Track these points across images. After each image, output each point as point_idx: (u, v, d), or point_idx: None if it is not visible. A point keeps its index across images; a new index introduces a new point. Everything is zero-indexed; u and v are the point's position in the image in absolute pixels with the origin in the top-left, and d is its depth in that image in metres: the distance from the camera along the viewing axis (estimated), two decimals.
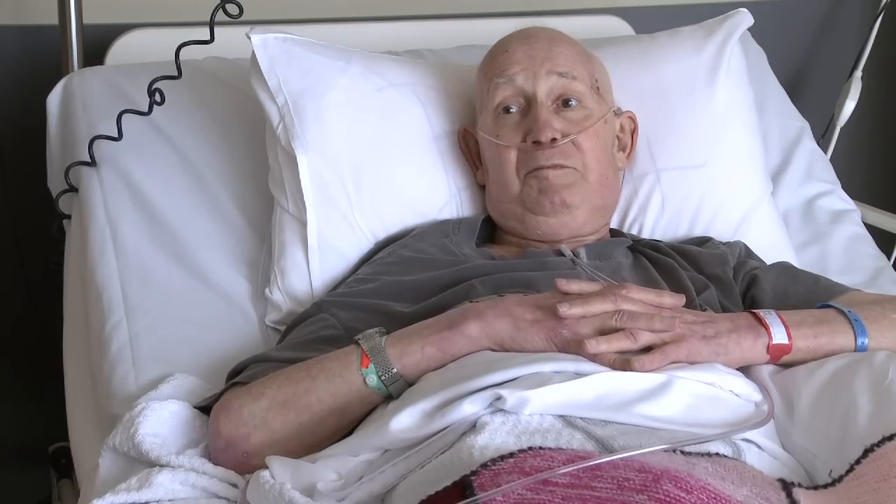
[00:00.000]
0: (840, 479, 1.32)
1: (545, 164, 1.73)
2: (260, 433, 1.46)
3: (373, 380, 1.45)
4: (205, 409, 1.55)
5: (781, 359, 1.48)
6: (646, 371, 1.39)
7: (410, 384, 1.45)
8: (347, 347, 1.49)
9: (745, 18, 2.00)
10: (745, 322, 1.49)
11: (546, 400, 1.32)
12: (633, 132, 1.89)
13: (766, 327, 1.47)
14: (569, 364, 1.38)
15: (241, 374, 1.55)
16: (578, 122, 1.76)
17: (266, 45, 1.85)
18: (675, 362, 1.42)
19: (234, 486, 1.44)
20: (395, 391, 1.45)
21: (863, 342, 1.49)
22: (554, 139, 1.73)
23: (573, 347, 1.42)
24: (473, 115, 1.88)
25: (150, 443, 1.47)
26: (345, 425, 1.46)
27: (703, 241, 1.85)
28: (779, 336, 1.47)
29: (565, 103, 1.77)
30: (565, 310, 1.43)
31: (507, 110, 1.78)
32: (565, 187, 1.73)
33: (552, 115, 1.75)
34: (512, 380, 1.35)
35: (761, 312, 1.49)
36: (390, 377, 1.45)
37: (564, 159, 1.73)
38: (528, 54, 1.79)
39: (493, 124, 1.79)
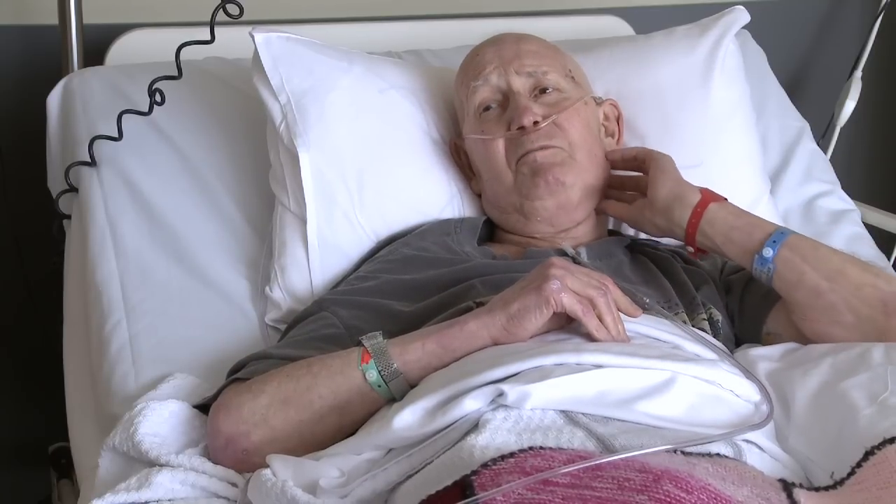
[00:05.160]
0: (842, 481, 1.32)
1: (531, 147, 1.75)
2: (260, 431, 1.46)
3: (372, 375, 1.45)
4: (204, 408, 1.55)
5: (707, 209, 1.66)
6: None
7: (412, 385, 1.45)
8: (351, 347, 1.50)
9: (740, 16, 1.99)
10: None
11: (548, 394, 1.32)
12: (619, 119, 1.91)
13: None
14: (570, 356, 1.38)
15: (240, 371, 1.55)
16: (557, 104, 1.79)
17: (269, 44, 1.86)
18: None
19: (234, 485, 1.44)
20: (395, 388, 1.45)
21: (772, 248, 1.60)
22: (536, 122, 1.75)
23: (564, 301, 1.43)
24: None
25: (149, 442, 1.47)
26: (346, 425, 1.46)
27: None
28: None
29: (542, 91, 1.80)
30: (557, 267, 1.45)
31: (487, 108, 1.81)
32: (556, 165, 1.75)
33: (531, 101, 1.78)
34: (514, 375, 1.35)
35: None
36: (390, 373, 1.45)
37: (549, 140, 1.76)
38: (498, 54, 1.82)
39: (476, 124, 1.82)
